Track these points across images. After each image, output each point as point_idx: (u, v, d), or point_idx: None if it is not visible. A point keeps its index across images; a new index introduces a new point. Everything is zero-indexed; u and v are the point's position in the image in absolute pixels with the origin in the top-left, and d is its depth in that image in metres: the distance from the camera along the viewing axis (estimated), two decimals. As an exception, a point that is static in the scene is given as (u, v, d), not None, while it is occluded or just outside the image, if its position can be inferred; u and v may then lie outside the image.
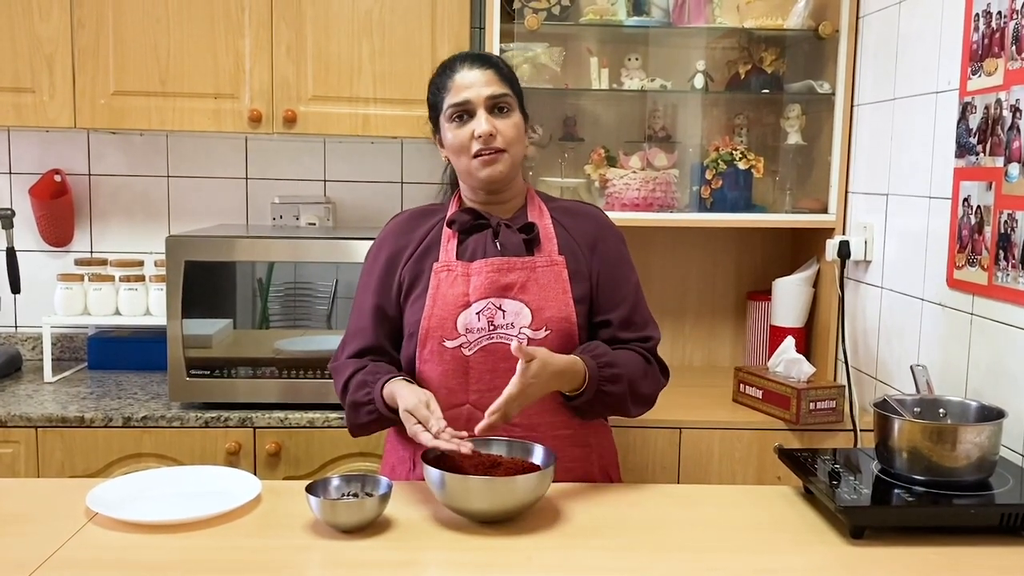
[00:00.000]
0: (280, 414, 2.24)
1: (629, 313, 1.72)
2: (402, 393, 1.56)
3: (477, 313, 1.63)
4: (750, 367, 2.45)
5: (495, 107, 1.65)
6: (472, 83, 1.64)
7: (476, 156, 1.64)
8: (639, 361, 1.68)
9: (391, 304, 1.71)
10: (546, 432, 1.64)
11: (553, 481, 1.48)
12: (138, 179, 2.79)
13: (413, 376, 1.68)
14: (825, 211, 2.52)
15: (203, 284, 2.28)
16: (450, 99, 1.65)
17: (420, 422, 1.50)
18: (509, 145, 1.65)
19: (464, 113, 1.64)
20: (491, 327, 1.63)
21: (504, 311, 1.64)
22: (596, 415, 1.70)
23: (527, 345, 1.58)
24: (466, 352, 1.63)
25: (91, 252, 2.79)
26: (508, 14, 2.49)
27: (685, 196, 2.62)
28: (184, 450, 2.21)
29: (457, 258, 1.67)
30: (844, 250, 2.38)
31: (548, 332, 1.64)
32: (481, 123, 1.62)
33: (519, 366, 1.48)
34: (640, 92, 2.61)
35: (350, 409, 1.67)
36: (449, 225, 1.70)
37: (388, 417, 1.61)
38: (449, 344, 1.64)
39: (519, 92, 1.71)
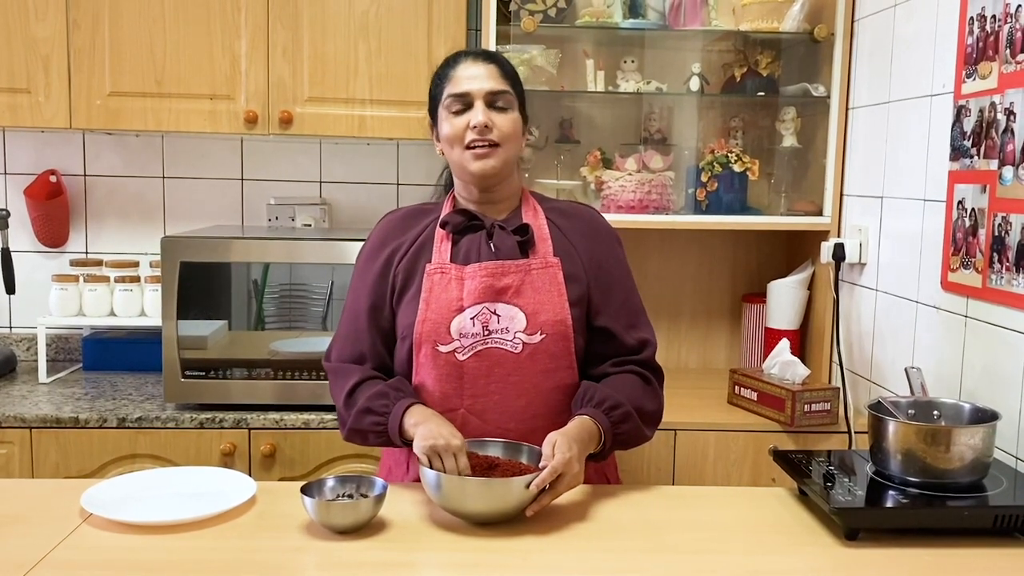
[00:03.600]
0: (275, 415, 2.23)
1: (626, 317, 1.71)
2: (440, 431, 1.49)
3: (471, 318, 1.62)
4: (745, 369, 2.45)
5: (494, 103, 1.65)
6: (474, 76, 1.65)
7: (469, 148, 1.63)
8: (637, 383, 1.66)
9: (385, 305, 1.69)
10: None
11: None
12: (134, 180, 2.79)
13: (409, 380, 1.67)
14: (820, 214, 2.53)
15: (198, 285, 2.28)
16: (450, 89, 1.66)
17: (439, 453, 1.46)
18: (504, 140, 1.64)
19: (462, 104, 1.64)
20: (485, 332, 1.61)
21: (499, 315, 1.62)
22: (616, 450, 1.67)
23: (522, 351, 1.59)
24: (460, 357, 1.62)
25: (86, 253, 2.78)
26: (504, 16, 2.49)
27: (681, 198, 2.63)
28: (179, 451, 2.21)
29: (451, 260, 1.66)
30: (839, 253, 2.38)
31: (543, 336, 1.62)
32: (478, 114, 1.62)
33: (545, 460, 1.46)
34: (636, 94, 2.61)
35: (358, 414, 1.62)
36: (442, 226, 1.69)
37: (393, 440, 1.58)
38: (443, 349, 1.62)
39: (521, 93, 1.71)
